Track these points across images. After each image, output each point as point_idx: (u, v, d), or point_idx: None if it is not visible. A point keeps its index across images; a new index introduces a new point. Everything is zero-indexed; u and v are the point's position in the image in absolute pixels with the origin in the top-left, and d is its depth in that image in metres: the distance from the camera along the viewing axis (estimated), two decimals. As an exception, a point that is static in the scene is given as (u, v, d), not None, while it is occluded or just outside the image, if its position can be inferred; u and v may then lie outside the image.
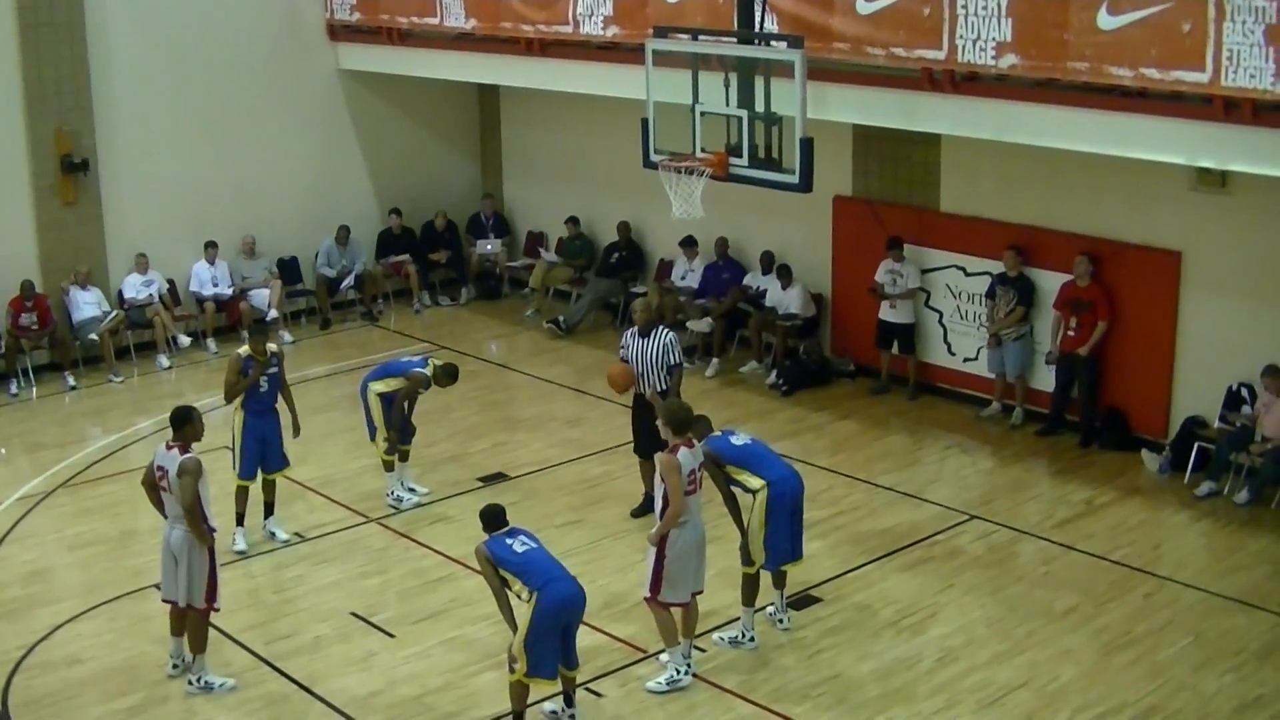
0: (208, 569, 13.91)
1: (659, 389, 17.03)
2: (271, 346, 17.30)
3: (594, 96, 23.21)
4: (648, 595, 13.82)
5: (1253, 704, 13.49)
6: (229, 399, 17.24)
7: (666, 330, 17.33)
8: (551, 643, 12.73)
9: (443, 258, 27.86)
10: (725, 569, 14.95)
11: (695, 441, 13.90)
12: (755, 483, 14.30)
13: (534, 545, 13.00)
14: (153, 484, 14.00)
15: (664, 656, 14.04)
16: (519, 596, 12.74)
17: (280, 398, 17.33)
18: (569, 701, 13.34)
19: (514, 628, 12.78)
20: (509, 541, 12.95)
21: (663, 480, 13.57)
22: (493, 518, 13.20)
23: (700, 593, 14.03)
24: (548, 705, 13.39)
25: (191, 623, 14.09)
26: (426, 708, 13.72)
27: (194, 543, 13.75)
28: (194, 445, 14.03)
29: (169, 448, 13.87)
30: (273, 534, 17.38)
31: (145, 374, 24.06)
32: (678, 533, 13.54)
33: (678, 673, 13.85)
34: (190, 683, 14.08)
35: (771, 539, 14.35)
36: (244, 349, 17.17)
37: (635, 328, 17.33)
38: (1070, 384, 19.99)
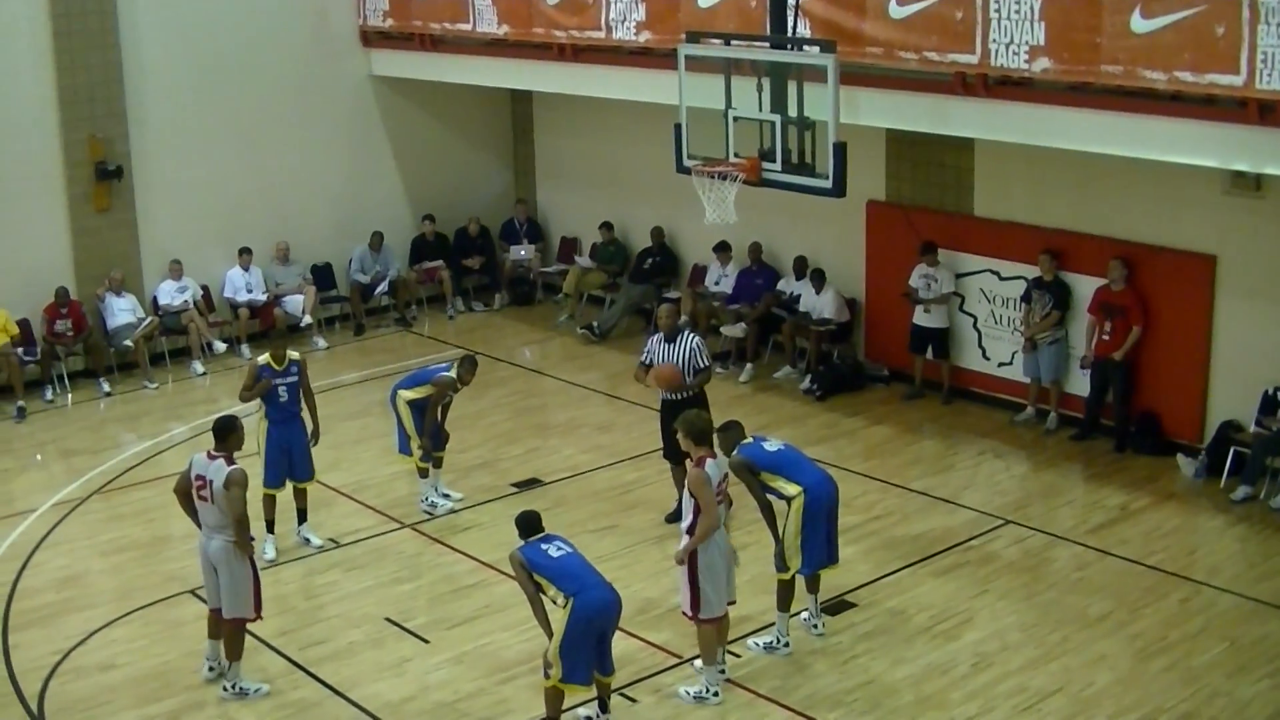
0: (251, 578, 13.97)
1: (686, 395, 16.98)
2: (293, 354, 17.28)
3: (627, 101, 23.22)
4: (688, 613, 13.77)
5: (1289, 710, 13.44)
6: (241, 402, 17.37)
7: (693, 335, 17.29)
8: (586, 649, 12.72)
9: (476, 263, 27.87)
10: (759, 575, 14.92)
11: (719, 452, 13.83)
12: (791, 489, 14.27)
13: (569, 551, 12.99)
14: (186, 492, 14.01)
15: (698, 663, 14.01)
16: (554, 602, 12.74)
17: (304, 405, 17.36)
18: (604, 708, 13.35)
19: (549, 633, 12.76)
20: (544, 547, 12.95)
21: (692, 495, 13.48)
22: (528, 524, 13.20)
23: (734, 603, 14.00)
24: (582, 711, 13.42)
25: (227, 630, 14.12)
26: (460, 714, 13.73)
27: (233, 553, 13.79)
28: (236, 455, 14.07)
29: (211, 457, 13.87)
30: (306, 540, 17.41)
31: (179, 380, 24.13)
32: (706, 544, 13.49)
33: (707, 690, 13.80)
34: (225, 689, 14.10)
35: (807, 544, 14.32)
36: (264, 356, 17.20)
37: (660, 333, 17.28)
38: (1105, 389, 19.91)
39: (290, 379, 17.05)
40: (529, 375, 24.20)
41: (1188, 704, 13.52)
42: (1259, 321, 18.46)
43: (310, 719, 13.76)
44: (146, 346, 23.91)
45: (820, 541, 14.41)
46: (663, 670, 14.32)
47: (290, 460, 17.08)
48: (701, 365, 17.05)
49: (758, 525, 14.81)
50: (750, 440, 14.67)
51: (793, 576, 14.51)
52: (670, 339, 17.09)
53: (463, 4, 24.09)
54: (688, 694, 13.83)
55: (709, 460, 13.56)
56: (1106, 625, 15.11)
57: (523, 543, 13.08)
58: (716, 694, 13.78)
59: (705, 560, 13.49)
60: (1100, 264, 19.67)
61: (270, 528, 17.10)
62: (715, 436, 14.39)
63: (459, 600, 16.06)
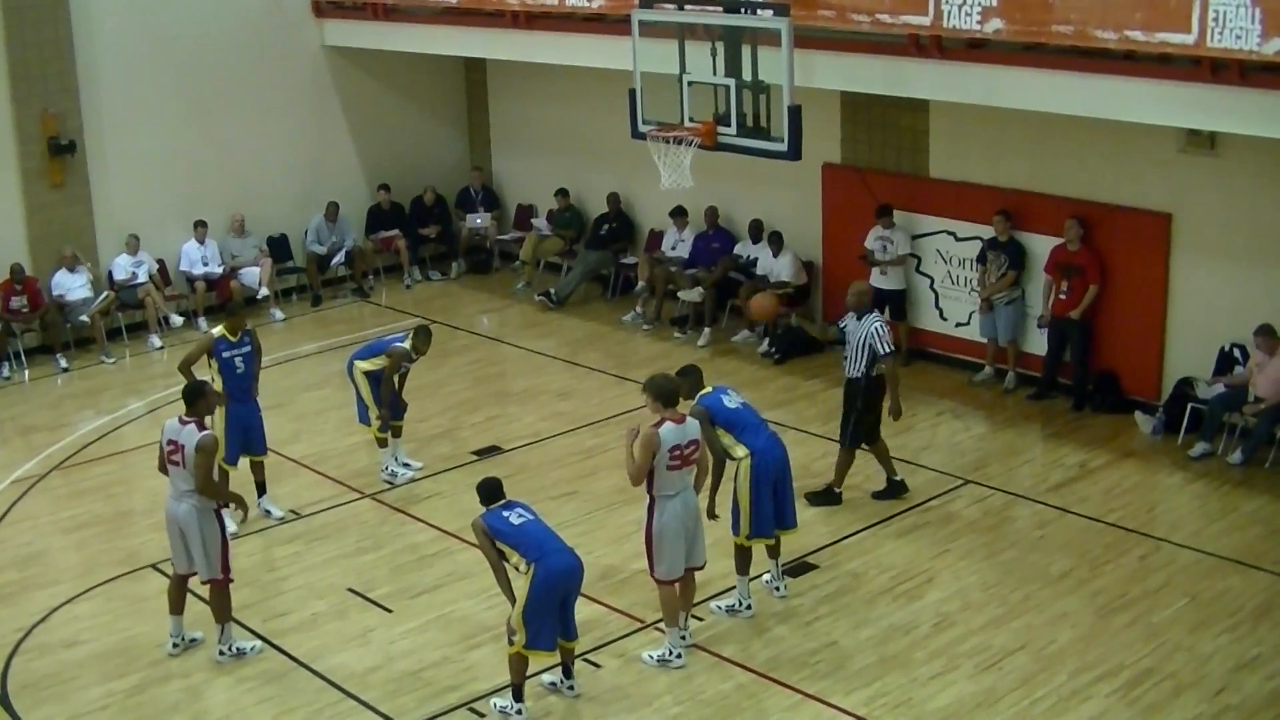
0: (219, 539, 14.00)
1: (860, 374, 16.76)
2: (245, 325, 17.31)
3: (581, 68, 23.21)
4: (651, 573, 13.84)
5: (1249, 664, 13.52)
6: (180, 373, 16.62)
7: (877, 317, 16.86)
8: (550, 615, 12.76)
9: (433, 232, 27.84)
10: (722, 538, 14.90)
11: (687, 417, 13.75)
12: (739, 451, 14.30)
13: (531, 517, 13.00)
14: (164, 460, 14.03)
15: (667, 625, 14.06)
16: (517, 569, 12.75)
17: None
18: (568, 673, 13.39)
19: (512, 600, 12.80)
20: (506, 514, 12.96)
21: (632, 454, 13.41)
22: (490, 491, 13.20)
23: (699, 568, 14.02)
24: (546, 677, 13.47)
25: (213, 595, 14.18)
26: (424, 682, 13.74)
27: (202, 515, 13.82)
28: (207, 420, 14.15)
29: (183, 422, 13.87)
30: (267, 511, 17.38)
31: (137, 354, 24.03)
32: (664, 505, 13.48)
33: (670, 653, 13.85)
34: (221, 652, 14.17)
35: (754, 510, 14.37)
36: (217, 329, 17.16)
37: (851, 312, 16.93)
38: (1062, 348, 19.98)
39: (245, 349, 16.99)
40: (488, 343, 24.19)
41: (1149, 659, 13.62)
42: (1215, 279, 18.55)
43: (276, 690, 13.73)
44: (103, 322, 23.82)
45: (767, 508, 14.43)
46: (625, 635, 14.36)
47: (248, 437, 17.02)
48: (881, 351, 16.59)
49: (725, 487, 14.71)
50: (711, 390, 14.63)
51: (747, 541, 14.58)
52: (859, 316, 16.79)
53: (416, -27, 24.04)
54: (650, 657, 13.88)
55: (669, 423, 13.44)
56: (1068, 583, 15.19)
57: (485, 510, 13.09)
58: (679, 656, 13.82)
59: (659, 524, 13.51)
60: (1056, 223, 19.72)
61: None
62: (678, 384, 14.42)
63: (421, 569, 16.06)
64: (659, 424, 13.42)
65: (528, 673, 13.03)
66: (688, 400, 14.39)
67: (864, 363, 16.72)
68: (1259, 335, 17.69)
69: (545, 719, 13.13)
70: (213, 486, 14.00)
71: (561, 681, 13.42)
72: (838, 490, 17.13)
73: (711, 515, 14.44)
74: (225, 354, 16.83)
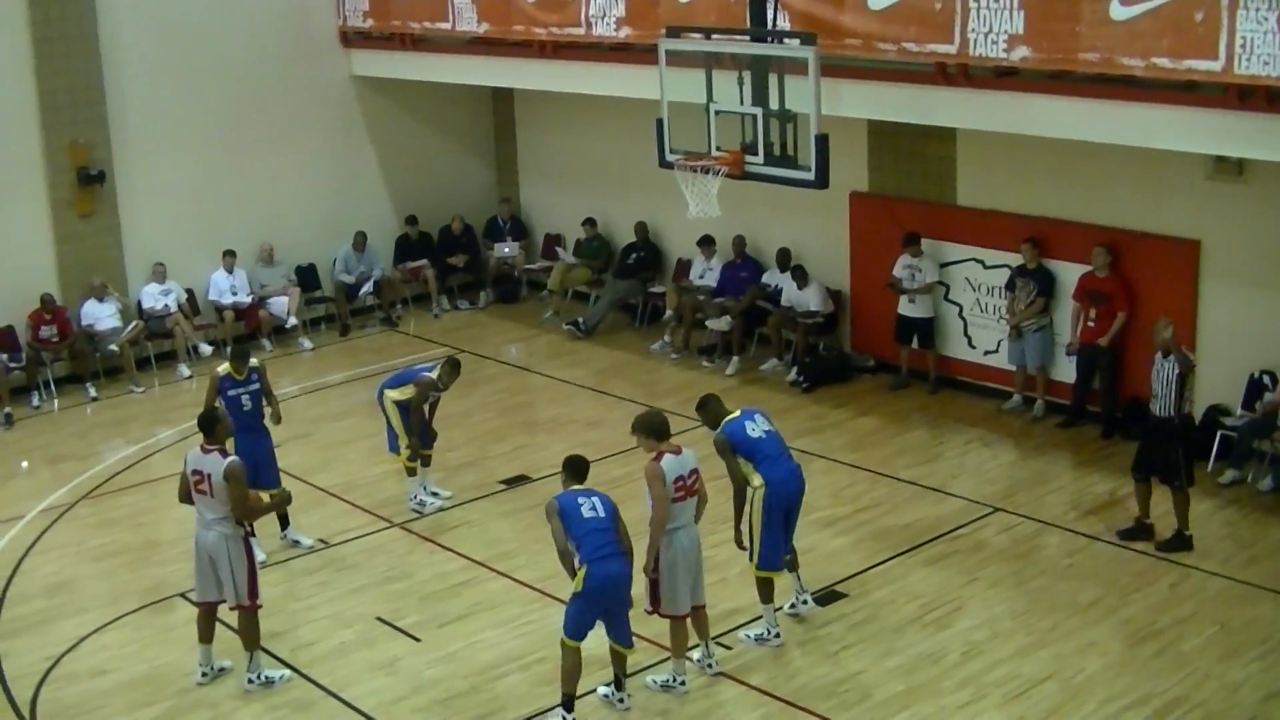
0: (247, 565, 14.02)
1: (1170, 412, 16.35)
2: (253, 362, 17.32)
3: (608, 98, 23.26)
4: (649, 609, 13.81)
5: (1280, 693, 13.49)
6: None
7: (1175, 358, 16.24)
8: (591, 613, 13.06)
9: (460, 262, 27.90)
10: (750, 567, 14.88)
11: (683, 448, 13.72)
12: (755, 479, 14.28)
13: (600, 515, 13.06)
14: (189, 491, 14.03)
15: (675, 657, 14.04)
16: (576, 556, 12.98)
17: (269, 407, 17.45)
18: (619, 685, 13.54)
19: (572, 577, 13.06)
20: (580, 502, 13.05)
21: (648, 491, 13.47)
22: (576, 468, 13.40)
23: (702, 606, 14.00)
24: (601, 689, 13.63)
25: (242, 622, 14.20)
26: (453, 711, 13.73)
27: (231, 541, 13.85)
28: (229, 445, 14.28)
29: (205, 451, 13.89)
30: (296, 542, 17.39)
31: (166, 384, 24.11)
32: (670, 538, 13.49)
33: (673, 680, 13.87)
34: (250, 680, 14.18)
35: (764, 541, 14.32)
36: (224, 367, 17.19)
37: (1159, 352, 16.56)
38: (1091, 375, 19.96)
39: (252, 387, 17.06)
40: (515, 372, 24.21)
41: (1179, 688, 13.55)
42: (1243, 306, 18.51)
43: (304, 719, 13.75)
44: (132, 351, 23.90)
45: (778, 540, 14.41)
46: (654, 664, 14.25)
47: (256, 470, 16.96)
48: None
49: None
50: (738, 415, 14.60)
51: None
52: (1164, 356, 16.34)
53: (442, 3, 24.09)
54: (654, 682, 13.93)
55: (667, 455, 13.47)
56: (1096, 611, 15.13)
57: (563, 490, 13.26)
58: (683, 683, 13.84)
59: (666, 558, 13.51)
60: (1084, 251, 19.70)
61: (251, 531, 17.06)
62: (700, 417, 14.65)
63: (450, 598, 16.05)
64: (658, 458, 13.46)
65: (578, 683, 13.20)
66: (712, 430, 14.43)
67: (1172, 404, 16.35)
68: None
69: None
70: (249, 509, 14.05)
71: (613, 694, 13.55)
72: (1188, 534, 16.63)
73: (739, 545, 14.48)
74: (231, 392, 16.91)
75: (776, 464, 14.42)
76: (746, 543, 14.47)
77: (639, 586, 13.58)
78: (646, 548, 13.48)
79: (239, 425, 16.58)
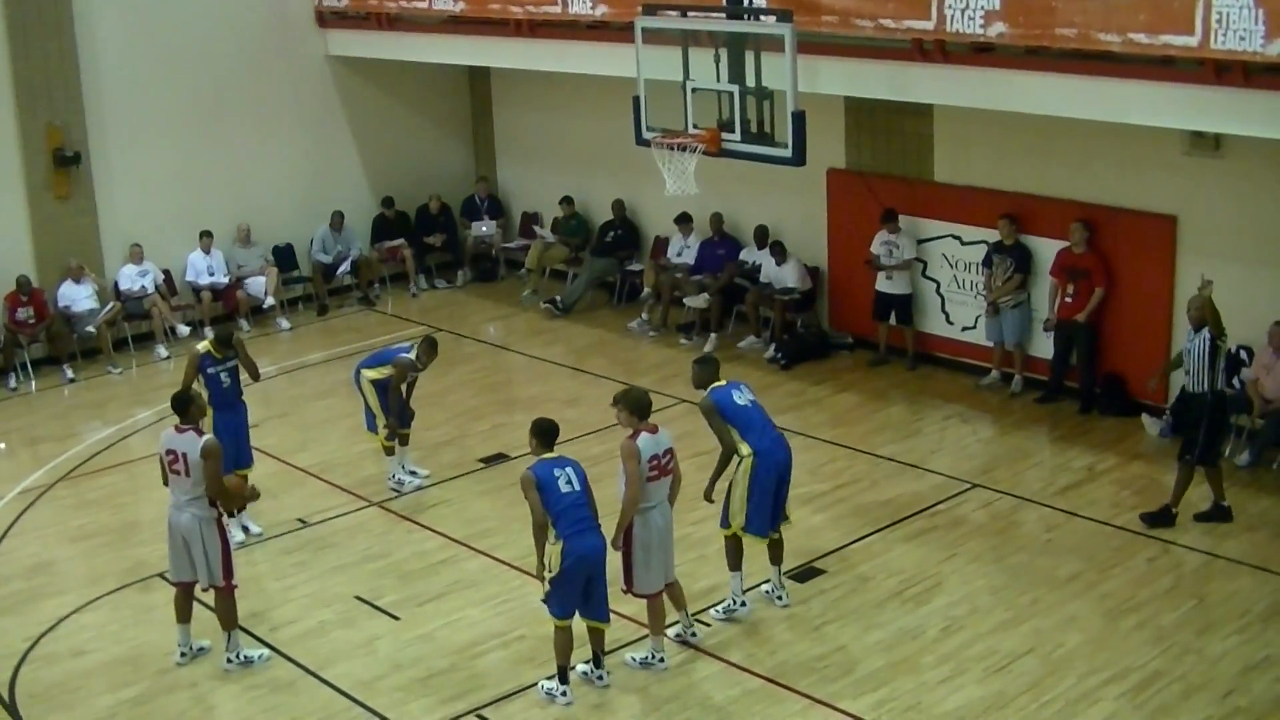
0: (221, 546, 13.98)
1: (1204, 388, 16.24)
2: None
3: (585, 76, 23.21)
4: (624, 588, 13.82)
5: (1259, 665, 13.50)
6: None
7: (1208, 332, 16.10)
8: (572, 591, 13.07)
9: (438, 241, 27.89)
10: (723, 548, 14.91)
11: (659, 428, 13.73)
12: (744, 449, 14.31)
13: (576, 490, 13.07)
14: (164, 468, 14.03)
15: (670, 630, 14.11)
16: (552, 530, 12.98)
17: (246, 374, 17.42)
18: (598, 662, 13.59)
19: (540, 560, 13.10)
20: (556, 474, 13.03)
21: (623, 468, 13.49)
22: (545, 431, 13.37)
23: (674, 581, 14.03)
24: (580, 667, 13.64)
25: (219, 602, 14.19)
26: (432, 689, 13.73)
27: (204, 523, 13.82)
28: (203, 424, 14.25)
29: (180, 430, 13.88)
30: (245, 528, 17.23)
31: (144, 365, 24.06)
32: (644, 517, 13.52)
33: (652, 656, 13.91)
34: (228, 660, 14.18)
35: (754, 508, 14.38)
36: (203, 345, 17.14)
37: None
38: (1069, 351, 19.99)
39: (230, 364, 17.02)
40: (494, 351, 24.21)
41: (1158, 662, 13.59)
42: (1220, 281, 18.38)
43: (283, 699, 13.73)
44: (110, 332, 23.85)
45: (767, 508, 14.45)
46: (633, 641, 14.27)
47: (238, 447, 16.94)
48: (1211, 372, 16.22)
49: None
50: (724, 384, 14.63)
51: (736, 534, 14.58)
52: (1196, 330, 16.19)
53: (418, -18, 24.06)
54: (634, 660, 13.95)
55: (644, 434, 13.50)
56: (1076, 586, 15.17)
57: (535, 459, 13.22)
58: (662, 660, 13.88)
59: (641, 538, 13.55)
60: (1062, 226, 19.72)
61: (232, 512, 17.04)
62: (692, 371, 14.70)
63: (428, 577, 16.05)
64: (634, 435, 13.49)
65: (570, 654, 13.34)
66: (698, 390, 14.51)
67: (1205, 379, 16.23)
68: (1276, 326, 17.66)
69: (553, 725, 13.15)
70: (225, 490, 13.99)
71: (591, 671, 13.59)
72: (1225, 504, 16.64)
73: (708, 498, 14.63)
74: (210, 370, 16.80)
75: (764, 434, 14.47)
76: (724, 506, 14.52)
77: (616, 562, 13.56)
78: (617, 524, 13.51)
79: (219, 403, 16.61)
